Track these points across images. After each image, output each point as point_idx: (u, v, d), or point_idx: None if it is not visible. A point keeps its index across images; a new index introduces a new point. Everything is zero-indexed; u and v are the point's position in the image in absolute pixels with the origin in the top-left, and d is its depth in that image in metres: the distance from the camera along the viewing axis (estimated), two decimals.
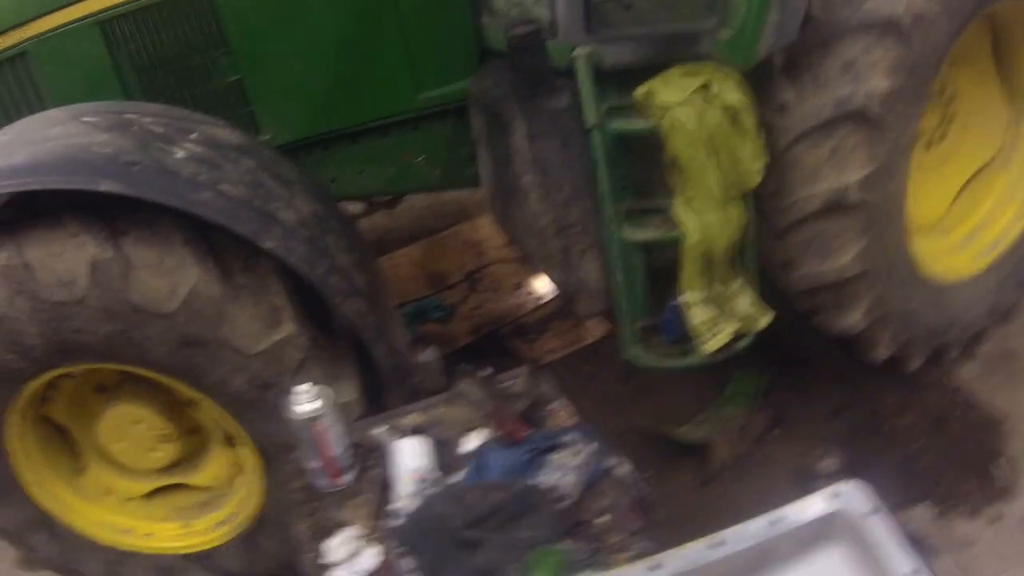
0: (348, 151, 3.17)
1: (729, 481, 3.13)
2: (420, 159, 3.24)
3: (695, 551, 1.39)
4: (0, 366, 2.53)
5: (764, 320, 2.73)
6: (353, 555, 1.84)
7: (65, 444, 3.09)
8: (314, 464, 2.04)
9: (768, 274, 3.00)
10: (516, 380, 2.21)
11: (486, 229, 4.14)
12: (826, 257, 2.83)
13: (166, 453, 2.96)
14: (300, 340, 2.50)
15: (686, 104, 2.51)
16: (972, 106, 3.42)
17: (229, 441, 3.00)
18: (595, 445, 1.88)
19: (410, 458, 1.98)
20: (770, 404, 3.36)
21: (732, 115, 2.54)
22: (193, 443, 3.07)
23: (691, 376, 3.39)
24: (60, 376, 2.74)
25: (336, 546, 1.86)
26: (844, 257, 2.82)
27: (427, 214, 4.64)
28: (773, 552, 1.40)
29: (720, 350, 2.69)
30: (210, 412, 2.90)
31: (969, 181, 3.51)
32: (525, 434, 1.95)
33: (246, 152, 2.66)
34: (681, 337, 2.70)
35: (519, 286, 3.73)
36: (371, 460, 2.08)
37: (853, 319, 2.97)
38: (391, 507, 1.91)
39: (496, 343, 3.62)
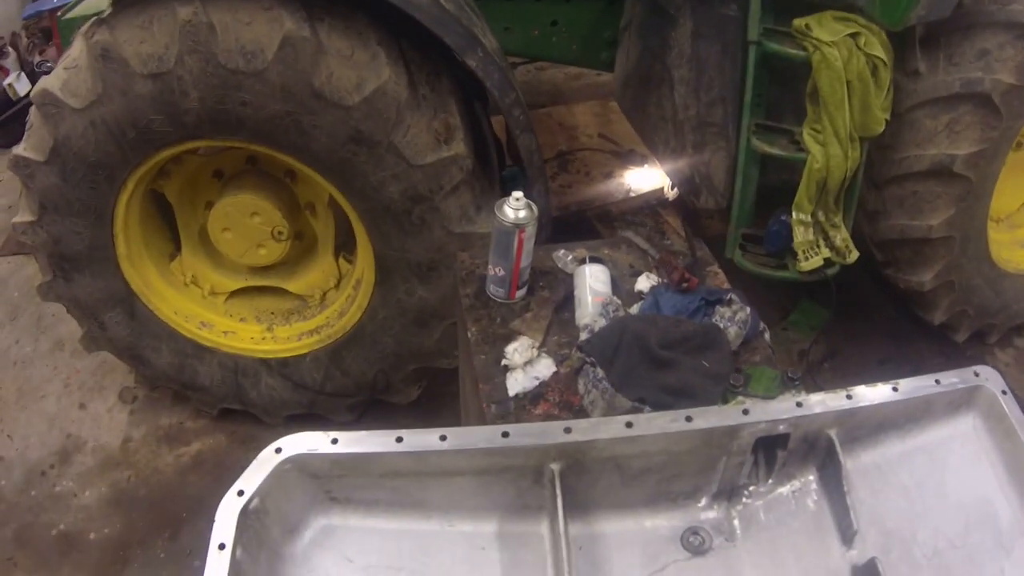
0: (501, 7, 3.24)
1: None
2: (565, 31, 3.32)
3: (878, 390, 1.56)
4: (146, 127, 2.51)
5: (853, 256, 2.98)
6: (529, 362, 1.94)
7: (165, 226, 3.09)
8: (501, 272, 2.11)
9: (856, 221, 3.28)
10: (676, 240, 2.39)
11: (581, 116, 4.23)
12: (917, 215, 3.08)
13: (272, 252, 2.96)
14: (466, 162, 2.57)
15: (838, 45, 2.75)
16: None
17: (339, 254, 3.04)
18: (751, 308, 2.04)
19: (595, 282, 2.09)
20: (827, 340, 3.61)
21: (872, 66, 2.78)
22: (297, 249, 3.08)
23: (766, 292, 3.58)
24: (185, 152, 2.71)
25: (514, 351, 1.96)
26: (934, 219, 3.06)
27: (525, 89, 4.71)
28: (931, 406, 1.59)
29: (812, 272, 2.94)
30: (326, 219, 2.93)
31: None
32: (695, 284, 2.09)
33: None
34: (780, 250, 2.96)
35: (609, 175, 3.83)
36: (543, 282, 2.19)
37: (925, 277, 3.23)
38: (579, 323, 2.04)
39: (582, 223, 3.70)
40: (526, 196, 2.07)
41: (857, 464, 1.61)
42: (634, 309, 2.08)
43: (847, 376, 3.48)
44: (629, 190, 3.73)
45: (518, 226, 2.04)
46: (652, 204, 3.66)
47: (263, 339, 3.18)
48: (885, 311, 3.68)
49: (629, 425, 1.44)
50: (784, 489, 1.60)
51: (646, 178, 3.82)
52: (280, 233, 2.92)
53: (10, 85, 5.05)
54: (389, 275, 2.81)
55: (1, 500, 3.18)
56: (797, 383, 1.82)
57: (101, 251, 2.86)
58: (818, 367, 3.54)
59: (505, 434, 1.38)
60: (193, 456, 3.32)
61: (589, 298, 2.06)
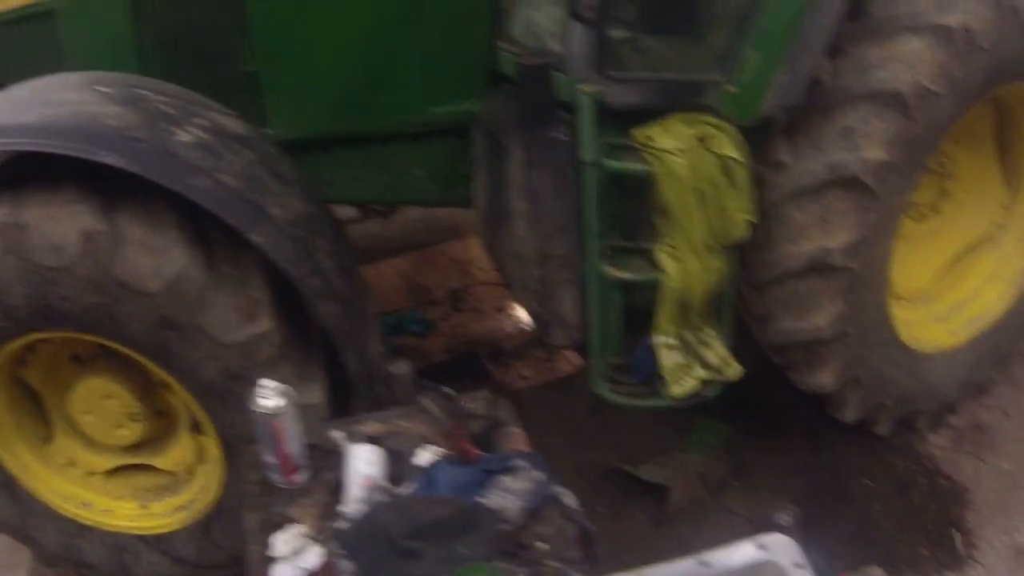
0: (348, 156, 3.19)
1: (684, 525, 3.16)
2: (418, 173, 3.26)
3: None
4: None
5: (732, 372, 2.77)
6: (297, 552, 1.88)
7: (36, 411, 3.11)
8: (271, 459, 2.09)
9: (746, 325, 3.06)
10: (477, 402, 2.26)
11: (476, 250, 4.19)
12: (802, 316, 2.88)
13: (132, 432, 2.99)
14: (275, 337, 2.54)
15: (682, 152, 2.56)
16: (969, 184, 3.47)
17: (196, 428, 3.01)
18: (543, 472, 1.93)
19: (363, 464, 2.02)
20: (732, 454, 3.40)
21: (726, 168, 2.59)
22: (160, 426, 3.09)
23: (656, 418, 3.44)
24: (39, 341, 2.77)
25: (282, 541, 1.90)
26: (820, 318, 2.87)
27: (419, 227, 4.67)
28: None
29: (687, 396, 2.73)
30: (180, 396, 2.90)
31: (957, 256, 3.56)
32: (476, 455, 2.00)
33: (249, 144, 2.71)
34: (650, 378, 2.75)
35: (501, 310, 3.78)
36: (326, 463, 2.13)
37: (824, 379, 3.02)
38: (339, 510, 1.95)
39: (471, 365, 3.67)
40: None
41: None
42: (409, 488, 1.96)
43: (760, 492, 3.23)
44: (520, 324, 3.59)
45: (272, 416, 2.00)
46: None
47: (140, 516, 3.17)
48: (799, 410, 3.44)
49: None
50: None
51: None
52: (134, 414, 2.94)
53: None
54: (232, 450, 2.77)
55: None
56: None
57: None
58: (726, 486, 3.30)
59: None
60: None
61: (355, 482, 1.97)
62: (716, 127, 2.60)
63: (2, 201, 2.44)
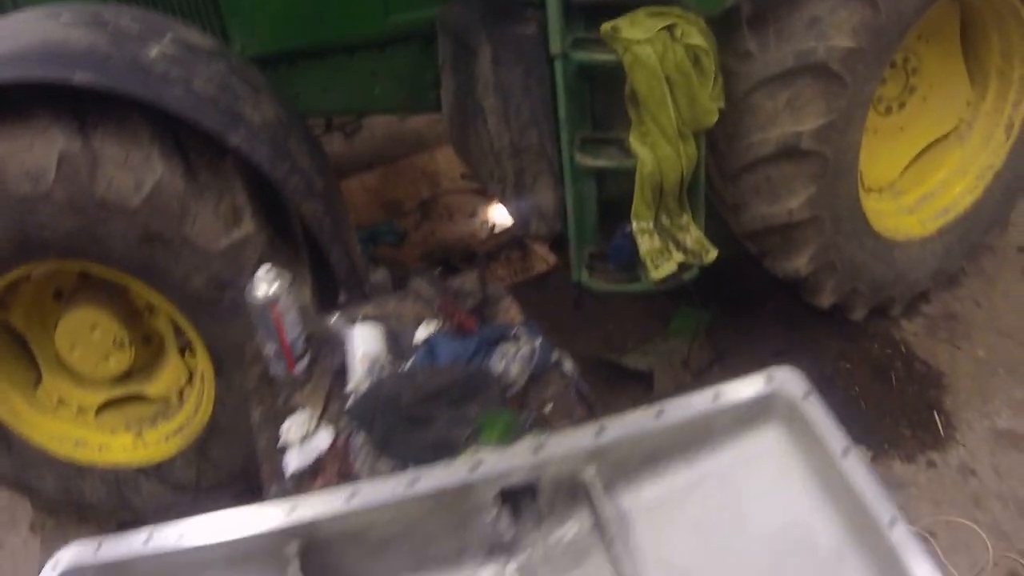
0: (314, 68, 3.20)
1: None
2: (385, 81, 3.27)
3: (638, 418, 1.43)
4: None
5: (709, 255, 2.83)
6: (306, 437, 1.90)
7: (23, 354, 3.11)
8: (272, 349, 2.09)
9: (721, 216, 3.14)
10: (467, 281, 2.29)
11: (443, 161, 4.20)
12: (775, 201, 2.95)
13: (119, 361, 2.99)
14: (259, 239, 2.55)
15: (649, 42, 2.61)
16: (935, 80, 3.52)
17: (183, 350, 3.05)
18: (540, 339, 1.97)
19: (363, 343, 2.04)
20: (713, 340, 3.47)
21: (693, 57, 2.65)
22: (147, 352, 3.11)
23: (637, 308, 3.49)
24: (20, 280, 2.76)
25: (291, 428, 1.92)
26: (793, 201, 2.93)
27: (386, 143, 4.66)
28: (713, 426, 1.46)
29: (666, 279, 2.80)
30: (166, 319, 2.94)
31: (924, 150, 3.62)
32: (474, 326, 2.03)
33: (217, 56, 2.71)
34: (629, 263, 2.81)
35: (473, 215, 3.80)
36: (324, 350, 2.15)
37: (799, 263, 3.09)
38: (345, 391, 1.98)
39: (447, 270, 3.63)
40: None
41: (637, 500, 1.45)
42: (410, 363, 1.97)
43: (740, 375, 3.31)
44: (493, 227, 3.63)
45: (271, 301, 1.99)
46: (517, 237, 3.53)
47: (135, 447, 3.19)
48: (777, 298, 3.52)
49: (351, 496, 1.33)
50: (558, 537, 1.44)
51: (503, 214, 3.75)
52: (121, 342, 2.94)
53: None
54: (223, 364, 2.80)
55: None
56: (532, 424, 1.66)
57: None
58: (707, 371, 3.38)
59: (239, 518, 1.39)
60: None
61: (358, 360, 1.97)
62: (681, 18, 2.65)
63: None
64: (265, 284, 2.03)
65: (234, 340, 2.65)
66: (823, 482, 1.46)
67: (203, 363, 2.87)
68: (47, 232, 2.47)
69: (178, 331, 3.00)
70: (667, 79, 2.62)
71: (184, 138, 2.57)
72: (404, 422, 1.69)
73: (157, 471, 3.13)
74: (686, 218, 2.80)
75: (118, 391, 3.19)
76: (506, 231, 3.61)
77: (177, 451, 3.09)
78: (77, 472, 3.14)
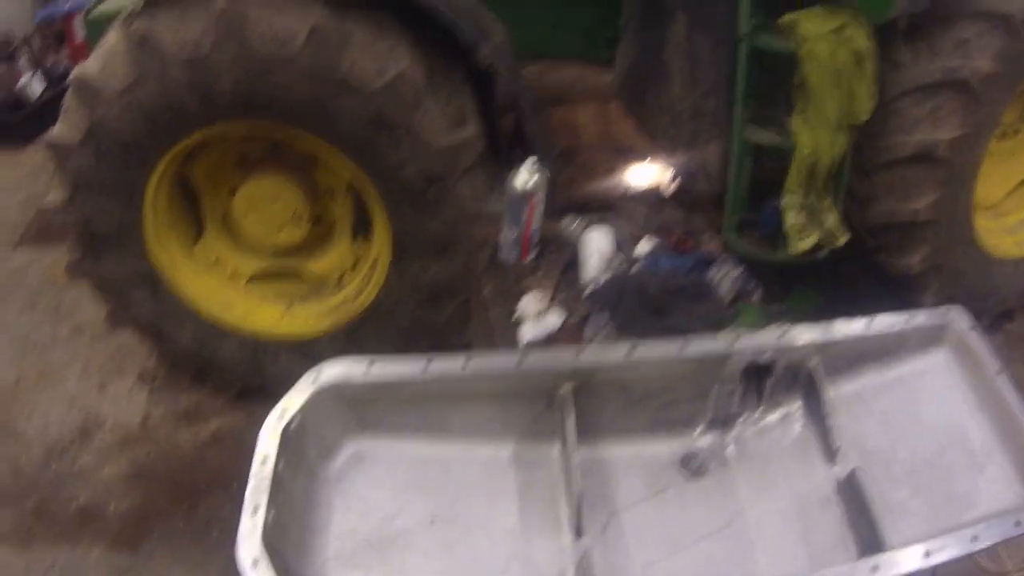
0: (504, 7, 3.33)
1: None
2: (565, 31, 3.53)
3: (853, 323, 1.77)
4: (181, 108, 2.69)
5: (843, 238, 3.12)
6: (541, 313, 2.14)
7: (191, 211, 3.23)
8: (512, 236, 2.29)
9: (846, 209, 3.41)
10: (676, 210, 2.57)
11: (584, 116, 4.38)
12: (904, 199, 3.21)
13: (292, 234, 3.13)
14: (478, 143, 2.74)
15: (824, 39, 2.91)
16: None
17: (356, 236, 3.15)
18: (742, 267, 2.24)
19: (601, 242, 2.28)
20: (821, 319, 3.74)
21: (858, 57, 2.94)
22: (314, 233, 3.22)
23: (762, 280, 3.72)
24: (214, 138, 2.88)
25: (527, 304, 2.16)
26: (920, 202, 3.20)
27: None
28: (903, 341, 1.78)
29: (804, 253, 3.07)
30: (345, 203, 3.06)
31: None
32: (690, 247, 2.30)
33: None
34: (773, 233, 3.09)
35: (610, 172, 3.90)
36: (551, 246, 2.38)
37: (913, 259, 3.34)
38: (584, 278, 2.21)
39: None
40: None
41: (839, 392, 1.77)
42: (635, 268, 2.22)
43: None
44: (629, 186, 3.87)
45: (530, 191, 2.21)
46: (651, 199, 3.79)
47: (282, 319, 3.31)
48: (878, 301, 3.77)
49: (632, 349, 1.60)
50: (773, 417, 1.75)
51: (645, 174, 3.96)
52: (300, 216, 3.09)
53: (25, 86, 5.22)
54: (405, 253, 2.95)
55: (21, 475, 3.26)
56: (782, 317, 1.96)
57: (129, 231, 3.01)
58: None
59: (521, 356, 1.53)
60: (212, 433, 3.41)
61: (596, 255, 2.25)
62: (852, 20, 2.95)
63: None
64: (527, 175, 2.23)
65: (423, 233, 2.83)
66: (980, 394, 1.78)
67: (381, 250, 3.02)
68: (278, 94, 2.62)
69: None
70: (835, 73, 2.91)
71: (422, 42, 2.72)
72: (648, 308, 1.97)
73: (301, 346, 3.25)
74: (828, 201, 3.09)
75: (276, 264, 3.32)
76: (641, 192, 3.81)
77: (326, 330, 3.23)
78: (217, 330, 3.27)
